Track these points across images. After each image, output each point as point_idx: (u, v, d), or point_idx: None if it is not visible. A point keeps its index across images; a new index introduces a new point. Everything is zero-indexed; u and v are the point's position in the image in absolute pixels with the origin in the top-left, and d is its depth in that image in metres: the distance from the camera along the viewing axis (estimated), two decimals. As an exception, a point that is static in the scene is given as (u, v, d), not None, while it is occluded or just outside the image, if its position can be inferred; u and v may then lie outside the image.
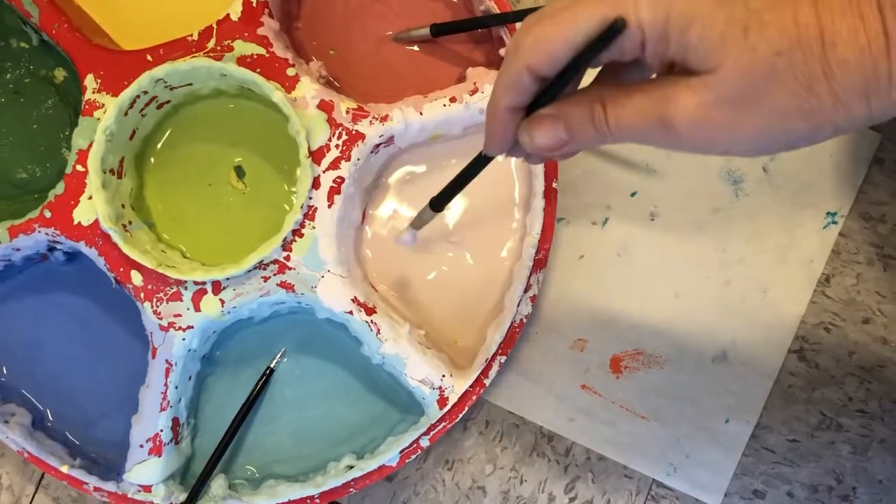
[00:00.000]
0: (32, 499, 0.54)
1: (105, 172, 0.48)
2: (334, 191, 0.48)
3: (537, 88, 0.31)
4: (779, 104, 0.28)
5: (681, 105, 0.28)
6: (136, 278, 0.48)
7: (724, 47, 0.27)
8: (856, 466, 0.53)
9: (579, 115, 0.30)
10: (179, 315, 0.48)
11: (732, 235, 0.54)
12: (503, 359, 0.50)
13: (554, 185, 0.50)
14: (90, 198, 0.48)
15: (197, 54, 0.49)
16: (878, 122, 0.28)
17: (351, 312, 0.48)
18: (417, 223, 0.44)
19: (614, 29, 0.28)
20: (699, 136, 0.29)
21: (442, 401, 0.49)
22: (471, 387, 0.49)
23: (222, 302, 0.48)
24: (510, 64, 0.30)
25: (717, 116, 0.28)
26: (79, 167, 0.49)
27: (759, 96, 0.28)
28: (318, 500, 0.49)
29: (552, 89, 0.30)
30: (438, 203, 0.41)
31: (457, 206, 0.52)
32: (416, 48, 0.53)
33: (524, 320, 0.50)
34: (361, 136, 0.48)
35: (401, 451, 0.49)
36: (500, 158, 0.43)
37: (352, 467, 0.49)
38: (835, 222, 0.54)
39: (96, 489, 0.50)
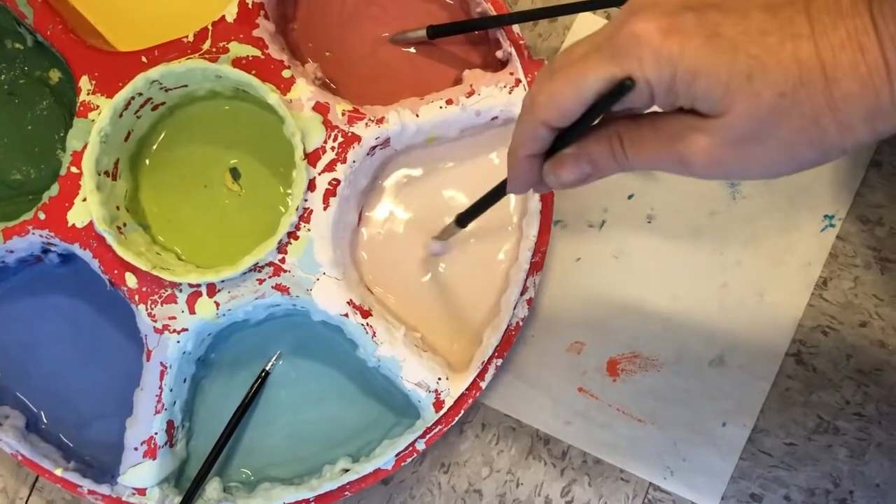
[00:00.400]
0: (27, 501, 0.54)
1: (99, 174, 0.48)
2: (330, 193, 0.48)
3: (552, 138, 0.33)
4: (786, 138, 0.29)
5: (693, 145, 0.30)
6: (131, 280, 0.48)
7: (729, 96, 0.29)
8: (853, 470, 0.53)
9: (600, 152, 0.33)
10: (174, 317, 0.48)
11: (730, 238, 0.54)
12: (499, 361, 0.50)
13: (550, 187, 0.50)
14: (84, 200, 0.48)
15: (192, 56, 0.49)
16: (885, 137, 0.29)
17: (346, 315, 0.48)
18: (444, 236, 0.49)
19: (622, 88, 0.29)
20: (711, 170, 0.31)
21: (438, 404, 0.49)
22: (467, 390, 0.49)
23: (217, 304, 0.48)
24: (527, 118, 0.33)
25: (727, 154, 0.30)
26: (73, 169, 0.48)
27: (766, 134, 0.29)
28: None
29: (567, 139, 0.32)
30: (463, 220, 0.45)
31: (453, 208, 0.52)
32: (412, 50, 0.53)
33: (520, 323, 0.50)
34: (357, 139, 0.48)
35: (396, 455, 0.49)
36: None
37: (347, 470, 0.49)
38: (832, 225, 0.54)
39: (90, 492, 0.49)
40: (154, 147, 0.52)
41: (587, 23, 0.55)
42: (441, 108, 0.49)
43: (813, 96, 0.28)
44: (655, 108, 0.32)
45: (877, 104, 0.28)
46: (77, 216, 0.48)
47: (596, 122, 0.32)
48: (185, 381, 0.50)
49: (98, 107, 0.49)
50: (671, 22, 0.29)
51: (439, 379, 0.49)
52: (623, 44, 0.29)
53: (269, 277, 0.48)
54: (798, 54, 0.28)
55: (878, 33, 0.28)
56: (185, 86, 0.50)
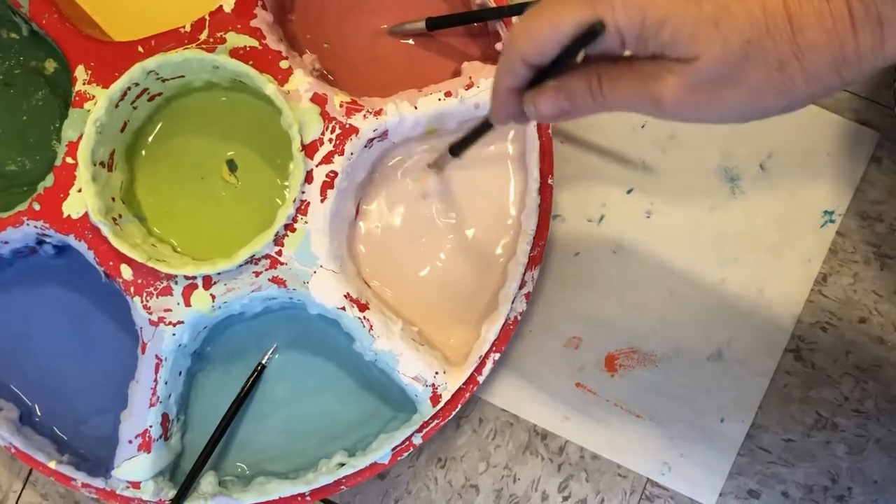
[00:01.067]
0: (20, 495, 0.54)
1: (95, 165, 0.48)
2: (327, 185, 0.47)
3: (531, 74, 0.34)
4: (754, 84, 0.30)
5: (665, 84, 0.31)
6: (126, 272, 0.48)
7: (697, 41, 0.30)
8: (851, 466, 0.52)
9: (579, 88, 0.34)
10: (169, 310, 0.48)
11: (729, 233, 0.53)
12: (497, 356, 0.49)
13: (549, 181, 0.50)
14: (80, 190, 0.48)
15: (189, 46, 0.48)
16: (851, 85, 0.30)
17: (343, 308, 0.48)
18: (438, 164, 0.50)
19: (593, 31, 0.31)
20: (682, 110, 0.32)
21: (435, 398, 0.48)
22: (464, 384, 0.49)
23: (213, 297, 0.47)
24: (507, 53, 0.34)
25: (697, 95, 0.31)
26: (68, 159, 0.48)
27: (735, 78, 0.30)
28: (308, 498, 0.49)
29: (546, 76, 0.34)
30: (456, 149, 0.46)
31: (452, 201, 0.52)
32: (410, 42, 0.53)
33: (518, 317, 0.50)
34: (355, 130, 0.48)
35: (393, 449, 0.49)
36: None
37: (343, 465, 0.49)
38: (832, 221, 0.53)
39: (84, 485, 0.49)
40: (150, 138, 0.51)
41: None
42: (440, 100, 0.48)
43: (779, 45, 0.30)
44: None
45: (841, 53, 0.29)
46: (72, 207, 0.48)
47: (573, 61, 0.33)
48: (180, 374, 0.50)
49: (94, 97, 0.48)
50: None
51: (436, 373, 0.48)
52: None
53: (266, 270, 0.47)
54: (765, 3, 0.30)
55: None
56: (182, 76, 0.49)
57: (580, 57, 0.33)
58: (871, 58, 0.30)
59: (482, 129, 0.42)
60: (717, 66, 0.30)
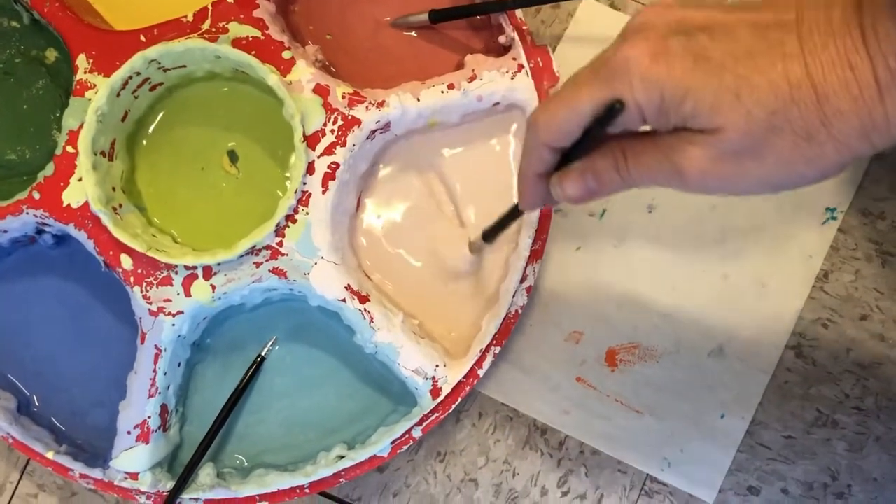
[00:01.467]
0: (17, 485, 0.53)
1: (96, 154, 0.47)
2: (329, 176, 0.47)
3: (556, 158, 0.34)
4: (781, 155, 0.30)
5: (689, 158, 0.31)
6: (126, 262, 0.47)
7: (719, 114, 0.30)
8: (851, 464, 0.52)
9: (604, 167, 0.33)
10: (169, 300, 0.47)
11: (731, 229, 0.53)
12: (497, 349, 0.49)
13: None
14: (80, 179, 0.47)
15: (191, 35, 0.48)
16: (884, 150, 0.30)
17: (344, 300, 0.47)
18: (473, 251, 0.49)
19: (612, 110, 0.31)
20: (708, 182, 0.31)
21: (435, 391, 0.48)
22: (464, 378, 0.49)
23: (213, 287, 0.47)
24: (530, 139, 0.34)
25: (723, 167, 0.31)
26: (69, 148, 0.48)
27: (761, 150, 0.30)
28: (307, 490, 0.49)
29: (570, 157, 0.34)
30: (489, 236, 0.46)
31: (454, 194, 0.51)
32: (413, 34, 0.53)
33: (519, 311, 0.49)
34: (357, 122, 0.48)
35: (392, 442, 0.48)
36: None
37: (342, 457, 0.48)
38: (834, 218, 0.53)
39: (82, 476, 0.49)
40: (151, 128, 0.51)
41: (591, 10, 0.54)
42: (442, 92, 0.48)
43: (806, 114, 0.29)
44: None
45: (870, 121, 0.29)
46: (72, 196, 0.48)
47: (598, 141, 0.33)
48: (179, 365, 0.50)
49: (95, 86, 0.48)
50: (660, 46, 0.30)
51: (437, 366, 0.48)
52: (615, 68, 0.31)
53: (267, 261, 0.47)
54: (788, 74, 0.29)
55: (868, 51, 0.28)
56: (184, 66, 0.49)
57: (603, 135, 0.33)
58: None
59: (513, 214, 0.42)
60: (741, 138, 0.30)
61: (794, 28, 0.29)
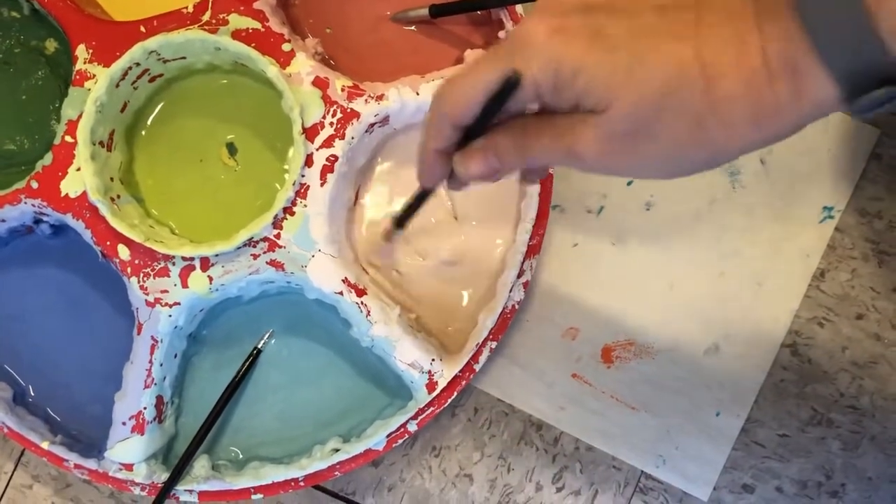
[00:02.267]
0: (11, 476, 0.53)
1: (94, 144, 0.47)
2: (327, 169, 0.47)
3: (457, 134, 0.34)
4: (672, 136, 0.29)
5: (582, 138, 0.31)
6: (124, 252, 0.47)
7: (610, 91, 0.29)
8: (846, 463, 0.52)
9: (505, 146, 0.33)
10: (166, 291, 0.47)
11: (728, 227, 0.53)
12: (494, 344, 0.49)
13: (550, 170, 0.50)
14: (78, 169, 0.47)
15: (191, 27, 0.48)
16: (776, 141, 0.29)
17: (341, 293, 0.47)
18: (386, 238, 0.48)
19: (510, 83, 0.31)
20: (602, 163, 0.31)
21: (431, 385, 0.48)
22: (460, 372, 0.49)
23: (210, 279, 0.47)
24: (432, 115, 0.34)
25: (615, 148, 0.30)
26: (67, 138, 0.48)
27: (651, 130, 0.30)
28: (302, 483, 0.49)
29: (471, 134, 0.34)
30: (400, 221, 0.44)
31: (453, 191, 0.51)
32: (413, 29, 0.53)
33: (516, 306, 0.49)
34: (356, 115, 0.48)
35: (388, 436, 0.48)
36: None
37: (338, 450, 0.48)
38: (831, 217, 0.53)
39: (77, 466, 0.49)
40: (150, 119, 0.51)
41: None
42: (442, 86, 0.48)
43: (694, 96, 0.29)
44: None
45: (759, 105, 0.28)
46: (70, 186, 0.48)
47: (499, 117, 0.33)
48: (175, 356, 0.50)
49: (94, 76, 0.48)
50: (559, 22, 0.30)
51: (433, 360, 0.48)
52: (515, 43, 0.31)
53: (264, 253, 0.47)
54: (679, 54, 0.29)
55: (761, 33, 0.28)
56: (184, 58, 0.49)
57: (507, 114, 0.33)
58: (790, 111, 0.28)
59: (421, 196, 0.41)
60: (630, 117, 0.29)
61: (694, 8, 0.29)
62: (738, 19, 0.28)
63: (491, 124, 0.33)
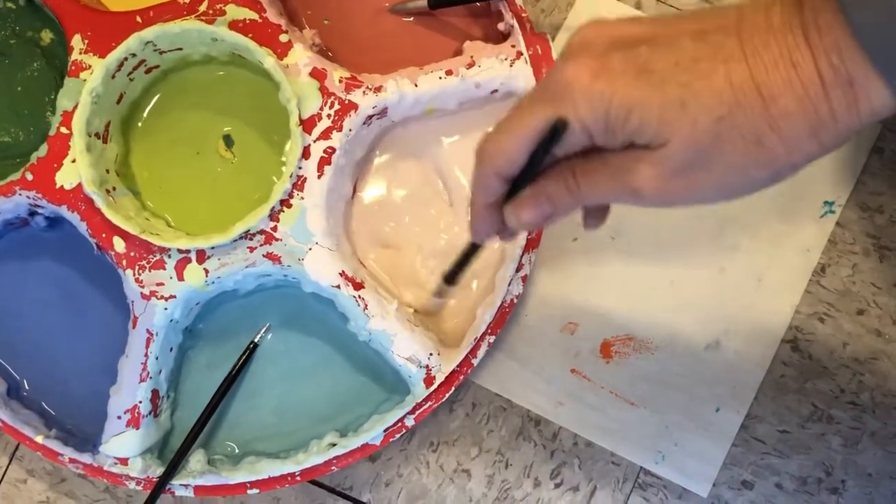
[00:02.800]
0: (6, 470, 0.53)
1: (90, 135, 0.47)
2: (325, 161, 0.47)
3: (505, 186, 0.34)
4: (733, 161, 0.29)
5: (641, 176, 0.30)
6: (119, 245, 0.47)
7: (665, 126, 0.29)
8: (846, 459, 0.52)
9: (555, 188, 0.33)
10: (162, 284, 0.47)
11: (729, 222, 0.53)
12: (492, 339, 0.49)
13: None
14: (73, 161, 0.47)
15: (188, 17, 0.48)
16: (835, 149, 0.29)
17: (338, 287, 0.47)
18: (439, 294, 0.49)
19: (557, 130, 0.30)
20: (663, 198, 0.31)
21: (429, 379, 0.48)
22: (458, 366, 0.48)
23: (206, 272, 0.47)
24: (478, 171, 0.34)
25: (674, 182, 0.30)
26: (63, 129, 0.47)
27: (711, 157, 0.29)
28: (298, 478, 0.48)
29: (519, 184, 0.33)
30: (450, 278, 0.44)
31: (450, 182, 0.51)
32: (412, 20, 0.52)
33: (515, 301, 0.49)
34: (354, 107, 0.47)
35: (385, 430, 0.48)
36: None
37: (334, 445, 0.48)
38: (832, 212, 0.53)
39: (71, 461, 0.48)
40: (147, 111, 0.51)
41: (591, -1, 0.54)
42: (440, 78, 0.48)
43: (752, 117, 0.28)
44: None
45: (817, 119, 0.28)
46: (65, 177, 0.47)
47: (545, 165, 0.33)
48: (171, 350, 0.49)
49: (90, 66, 0.48)
50: (600, 63, 0.30)
51: (430, 354, 0.48)
52: (556, 89, 0.30)
53: (261, 245, 0.47)
54: (731, 77, 0.28)
55: (811, 47, 0.28)
56: (180, 49, 0.49)
57: (550, 159, 0.33)
58: (847, 120, 0.28)
59: (471, 251, 0.41)
60: (688, 150, 0.29)
61: (735, 31, 0.29)
62: (783, 36, 0.28)
63: (538, 173, 0.33)
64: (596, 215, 0.38)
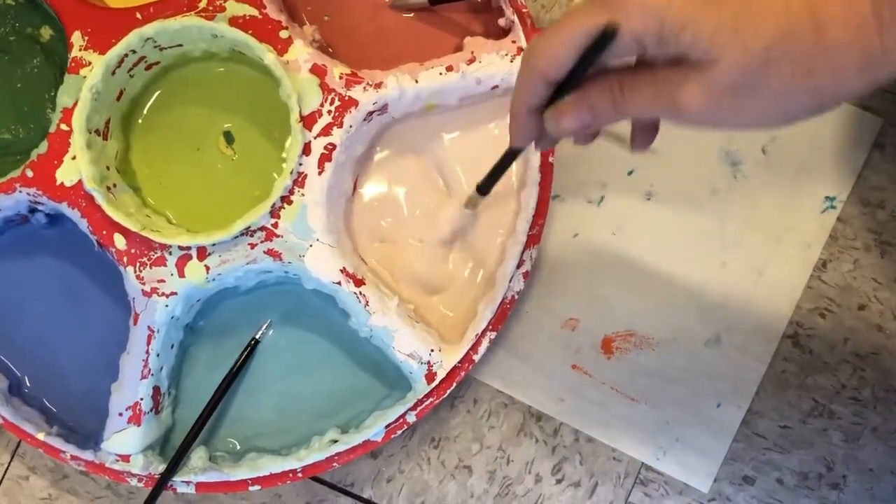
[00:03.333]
0: (8, 467, 0.53)
1: (90, 132, 0.47)
2: (325, 158, 0.47)
3: (550, 90, 0.33)
4: (780, 88, 0.29)
5: (687, 92, 0.30)
6: (120, 242, 0.47)
7: (718, 45, 0.29)
8: (847, 454, 0.52)
9: (600, 99, 0.33)
10: (163, 280, 0.47)
11: (730, 217, 0.53)
12: (493, 335, 0.49)
13: (550, 160, 0.49)
14: (74, 158, 0.47)
15: (188, 13, 0.48)
16: (875, 87, 0.29)
17: (339, 283, 0.47)
18: (469, 205, 0.48)
19: (606, 36, 0.30)
20: (705, 117, 0.31)
21: (430, 376, 0.48)
22: (460, 362, 0.48)
23: (207, 268, 0.47)
24: (524, 72, 0.34)
25: (721, 103, 0.30)
26: (63, 126, 0.47)
27: (759, 83, 0.29)
28: (300, 475, 0.48)
29: (564, 89, 0.33)
30: (484, 187, 0.45)
31: (451, 179, 0.51)
32: (412, 16, 0.52)
33: (516, 296, 0.49)
34: (354, 103, 0.47)
35: (386, 426, 0.48)
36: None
37: (336, 441, 0.48)
38: (833, 207, 0.53)
39: (73, 458, 0.48)
40: (147, 108, 0.51)
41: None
42: (441, 74, 0.48)
43: (804, 46, 0.29)
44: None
45: (868, 55, 0.28)
46: (66, 174, 0.47)
47: (592, 71, 0.32)
48: (172, 346, 0.49)
49: (90, 63, 0.47)
50: None
51: (432, 350, 0.48)
52: None
53: (261, 242, 0.47)
54: (789, 3, 0.28)
55: None
56: (180, 45, 0.49)
57: (599, 67, 0.32)
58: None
59: (506, 159, 0.41)
60: (737, 72, 0.29)
61: None
62: None
63: (583, 80, 0.33)
64: (643, 136, 0.37)
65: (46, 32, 0.52)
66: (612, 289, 0.53)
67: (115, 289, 0.49)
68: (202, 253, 0.47)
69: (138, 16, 0.48)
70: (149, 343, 0.47)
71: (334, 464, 0.48)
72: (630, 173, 0.53)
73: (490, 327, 0.49)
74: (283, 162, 0.50)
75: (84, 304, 0.51)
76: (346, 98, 0.47)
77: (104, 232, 0.47)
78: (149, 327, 0.47)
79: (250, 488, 0.48)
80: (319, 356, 0.51)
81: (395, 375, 0.50)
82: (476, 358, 0.49)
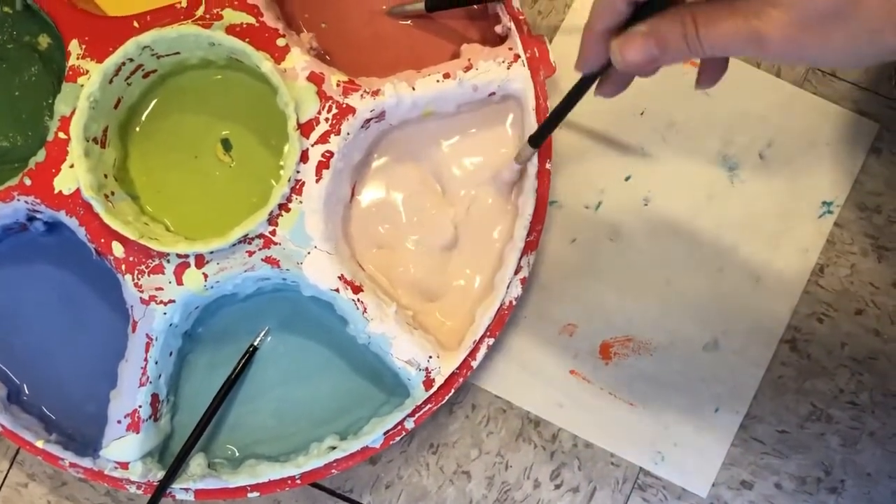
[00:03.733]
0: (6, 475, 0.53)
1: (88, 140, 0.47)
2: (323, 165, 0.47)
3: (630, 11, 0.32)
4: (870, 20, 0.28)
5: (771, 22, 0.29)
6: (118, 250, 0.47)
7: None
8: (845, 459, 0.52)
9: (671, 32, 0.31)
10: (161, 288, 0.47)
11: (727, 222, 0.53)
12: (491, 341, 0.49)
13: (547, 165, 0.49)
14: (72, 166, 0.47)
15: (185, 22, 0.48)
16: None
17: (337, 290, 0.47)
18: (520, 159, 0.47)
19: None
20: (789, 49, 0.29)
21: (428, 382, 0.48)
22: (458, 369, 0.48)
23: (205, 276, 0.47)
24: None
25: (807, 33, 0.29)
26: (61, 134, 0.47)
27: (847, 15, 0.28)
28: (299, 481, 0.48)
29: (645, 11, 0.31)
30: (536, 140, 0.44)
31: (449, 185, 0.51)
32: (409, 23, 0.52)
33: (514, 303, 0.49)
34: (352, 110, 0.47)
35: (385, 433, 0.48)
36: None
37: (334, 448, 0.48)
38: (830, 212, 0.53)
39: (72, 465, 0.49)
40: (144, 115, 0.51)
41: (588, 1, 0.54)
42: (438, 81, 0.48)
43: None
44: None
45: None
46: (64, 183, 0.47)
47: (663, 3, 0.31)
48: (170, 354, 0.49)
49: (87, 71, 0.47)
50: None
51: (430, 357, 0.48)
52: None
53: (259, 250, 0.47)
54: None
55: None
56: (178, 53, 0.49)
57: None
58: None
59: (569, 101, 0.39)
60: (827, 1, 0.28)
61: None
62: None
63: (656, 11, 0.31)
64: (712, 72, 0.36)
65: (44, 41, 0.52)
66: (610, 294, 0.53)
67: (114, 296, 0.49)
68: (200, 261, 0.47)
69: (135, 24, 0.48)
70: (147, 350, 0.48)
71: (333, 470, 0.48)
72: (627, 179, 0.53)
73: (488, 333, 0.49)
74: (281, 169, 0.50)
75: (82, 312, 0.52)
76: (344, 105, 0.47)
77: (102, 240, 0.47)
78: (147, 335, 0.47)
79: (249, 495, 0.48)
80: (318, 363, 0.51)
81: (393, 382, 0.50)
82: (474, 364, 0.49)
